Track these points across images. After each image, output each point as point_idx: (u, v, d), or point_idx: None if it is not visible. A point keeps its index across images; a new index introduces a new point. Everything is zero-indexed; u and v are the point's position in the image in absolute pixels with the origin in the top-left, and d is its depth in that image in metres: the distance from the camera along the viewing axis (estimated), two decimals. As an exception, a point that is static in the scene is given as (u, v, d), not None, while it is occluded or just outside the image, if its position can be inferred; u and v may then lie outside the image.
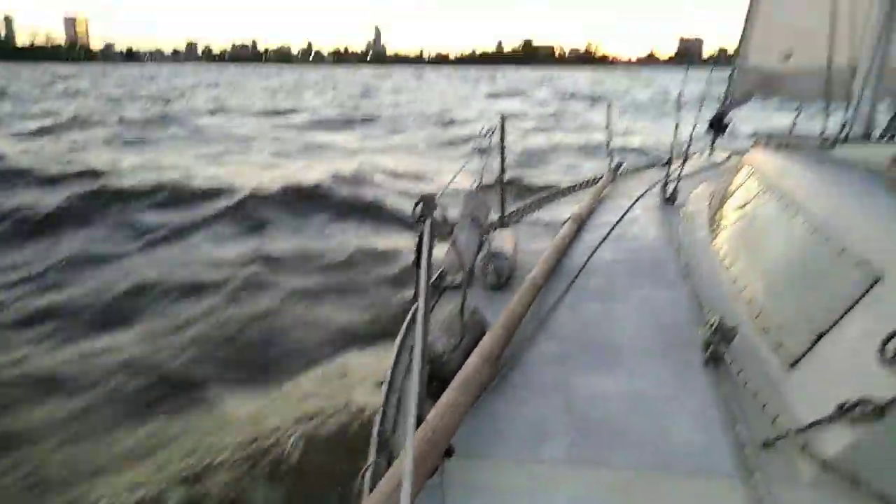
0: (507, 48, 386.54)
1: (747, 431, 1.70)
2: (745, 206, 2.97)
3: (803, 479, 1.49)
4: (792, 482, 1.50)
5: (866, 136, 3.17)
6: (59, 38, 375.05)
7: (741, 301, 2.31)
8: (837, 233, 1.91)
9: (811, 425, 1.46)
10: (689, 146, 4.77)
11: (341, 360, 5.14)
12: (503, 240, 3.27)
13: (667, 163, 5.10)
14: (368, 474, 1.61)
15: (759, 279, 2.29)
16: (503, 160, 3.98)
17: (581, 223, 3.86)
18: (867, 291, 1.60)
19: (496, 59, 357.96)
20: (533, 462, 1.69)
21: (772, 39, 5.01)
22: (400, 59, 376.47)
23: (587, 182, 5.61)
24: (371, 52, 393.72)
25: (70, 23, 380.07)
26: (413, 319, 1.65)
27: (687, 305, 2.60)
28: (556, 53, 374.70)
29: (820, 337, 1.69)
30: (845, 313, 1.63)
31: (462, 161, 3.13)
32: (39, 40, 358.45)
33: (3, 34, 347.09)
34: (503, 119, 3.87)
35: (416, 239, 1.59)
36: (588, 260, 3.19)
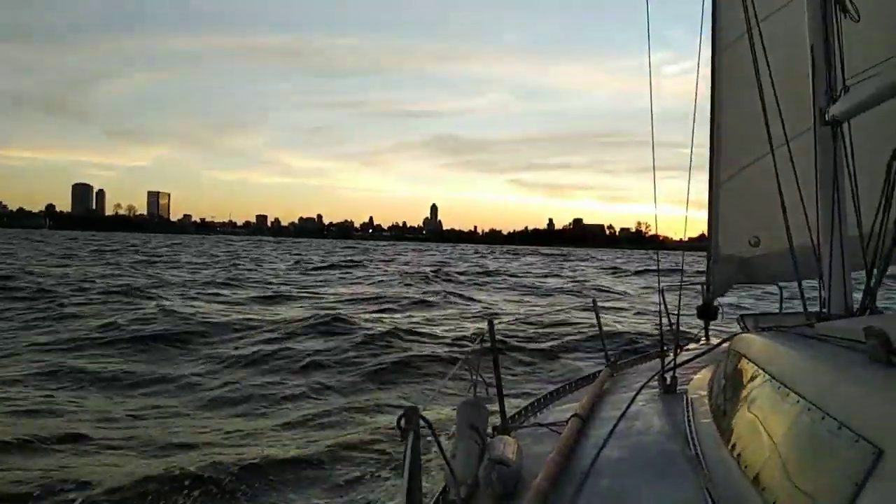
0: (558, 225, 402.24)
1: None
2: (740, 390, 2.92)
3: None
4: None
5: (848, 311, 3.20)
6: (141, 207, 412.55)
7: (753, 490, 2.16)
8: (832, 410, 1.83)
9: None
10: (677, 334, 5.01)
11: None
12: (505, 446, 3.03)
13: (661, 352, 4.89)
14: None
15: (768, 464, 2.15)
16: (497, 363, 3.97)
17: (584, 421, 3.74)
18: (873, 468, 1.51)
19: (547, 235, 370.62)
20: None
21: (739, 228, 5.38)
22: (455, 234, 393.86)
23: (585, 378, 5.59)
24: (427, 227, 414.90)
25: (154, 195, 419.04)
26: None
27: (700, 498, 2.45)
28: (607, 232, 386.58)
29: None
30: (857, 493, 1.51)
31: (451, 369, 3.25)
32: (123, 211, 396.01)
33: (94, 205, 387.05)
34: (491, 322, 3.97)
35: (402, 454, 1.50)
36: (595, 461, 3.05)
